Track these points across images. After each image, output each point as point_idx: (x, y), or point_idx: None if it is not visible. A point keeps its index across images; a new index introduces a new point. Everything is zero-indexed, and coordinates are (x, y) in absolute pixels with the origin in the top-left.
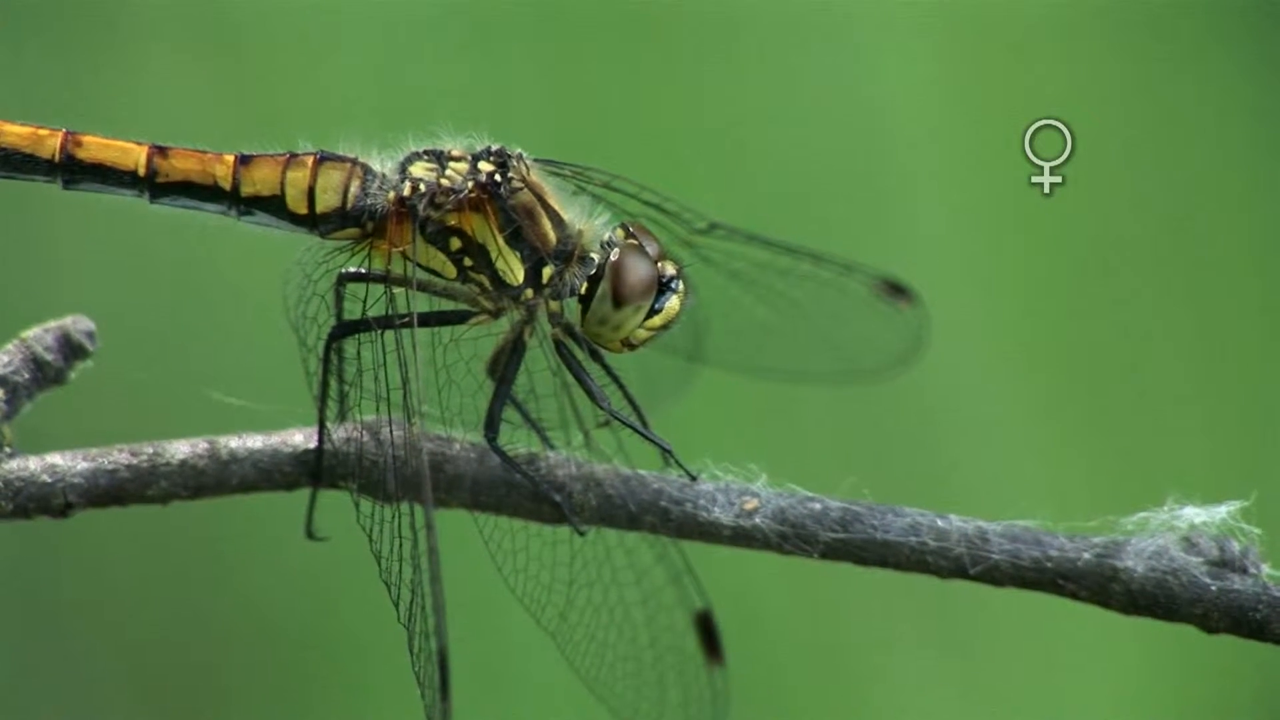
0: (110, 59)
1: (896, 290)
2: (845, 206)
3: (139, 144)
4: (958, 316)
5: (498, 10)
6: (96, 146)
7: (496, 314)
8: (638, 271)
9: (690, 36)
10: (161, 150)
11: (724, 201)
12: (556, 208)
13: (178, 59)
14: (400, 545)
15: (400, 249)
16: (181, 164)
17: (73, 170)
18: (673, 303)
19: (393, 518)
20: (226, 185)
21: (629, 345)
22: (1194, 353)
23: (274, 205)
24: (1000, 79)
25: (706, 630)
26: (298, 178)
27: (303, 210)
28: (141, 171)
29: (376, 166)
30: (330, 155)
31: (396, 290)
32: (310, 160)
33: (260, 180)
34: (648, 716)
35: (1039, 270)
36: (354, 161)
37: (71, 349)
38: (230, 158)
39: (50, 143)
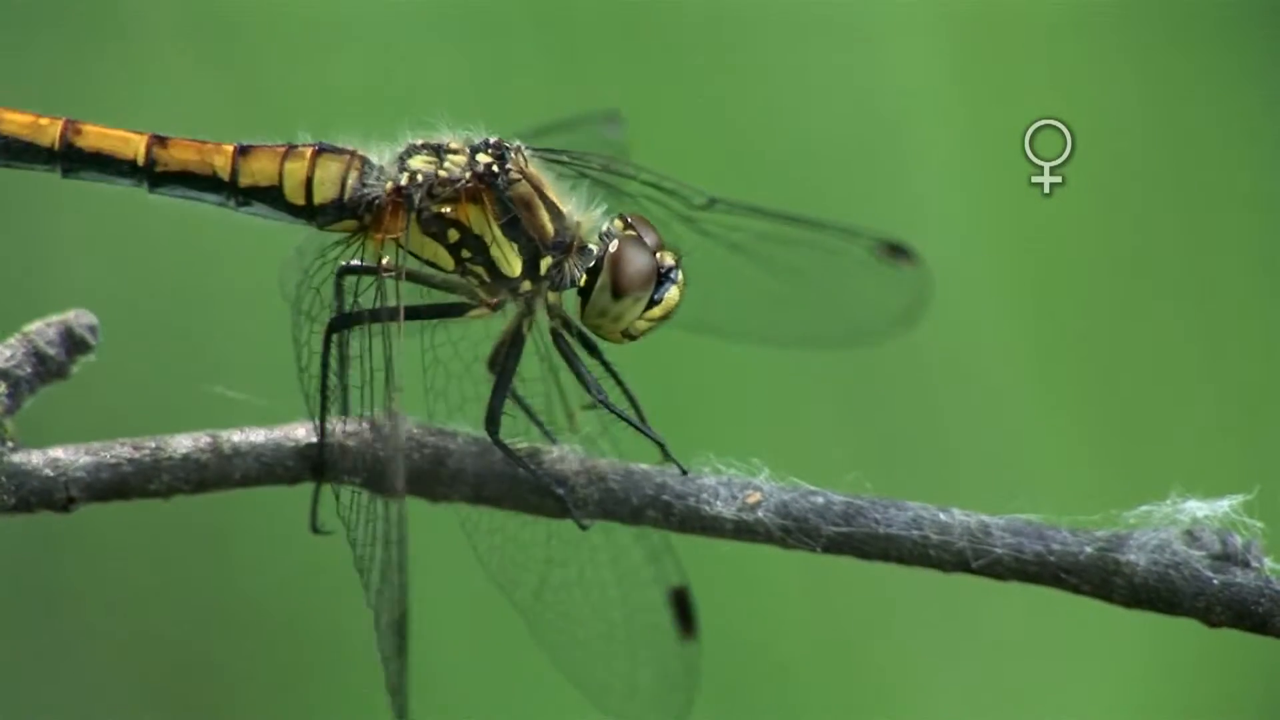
0: (111, 50)
1: (897, 251)
2: (844, 205)
3: (138, 133)
4: (958, 315)
5: (498, 2)
6: (96, 135)
7: (495, 306)
8: (636, 263)
9: (693, 32)
10: (161, 140)
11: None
12: (554, 199)
13: (179, 50)
14: (372, 526)
15: (394, 236)
16: (180, 154)
17: (72, 159)
18: (672, 293)
19: (369, 501)
20: (225, 175)
21: (628, 336)
22: (1196, 348)
23: (272, 196)
24: (1001, 79)
25: (681, 606)
26: (295, 169)
27: (300, 201)
28: (141, 161)
29: (375, 159)
30: (329, 147)
31: (389, 279)
32: (309, 152)
33: (258, 171)
34: (619, 695)
35: (1039, 270)
36: (352, 153)
37: (74, 343)
38: (229, 148)
39: (50, 131)
